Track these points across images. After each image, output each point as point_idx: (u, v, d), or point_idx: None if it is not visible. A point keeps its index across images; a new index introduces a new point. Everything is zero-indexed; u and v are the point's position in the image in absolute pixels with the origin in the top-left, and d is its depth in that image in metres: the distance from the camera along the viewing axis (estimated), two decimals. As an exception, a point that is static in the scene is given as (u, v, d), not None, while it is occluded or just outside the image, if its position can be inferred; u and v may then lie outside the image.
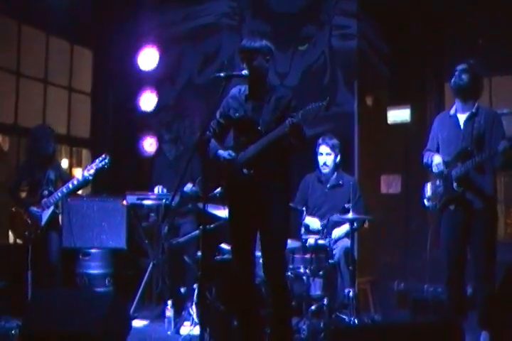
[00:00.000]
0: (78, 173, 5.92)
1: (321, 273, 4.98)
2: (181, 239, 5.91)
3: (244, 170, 3.99)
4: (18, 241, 5.88)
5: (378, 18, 6.73)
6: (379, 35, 6.85)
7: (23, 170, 5.94)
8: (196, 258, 5.37)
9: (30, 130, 5.98)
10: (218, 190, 4.36)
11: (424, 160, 4.66)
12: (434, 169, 4.52)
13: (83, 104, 7.78)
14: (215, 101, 4.07)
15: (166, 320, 5.36)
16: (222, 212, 4.96)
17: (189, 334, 5.02)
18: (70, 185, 5.63)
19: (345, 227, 5.29)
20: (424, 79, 6.89)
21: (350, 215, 4.96)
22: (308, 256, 4.96)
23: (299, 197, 5.65)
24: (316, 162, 5.59)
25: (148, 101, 7.63)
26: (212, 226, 5.19)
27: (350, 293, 4.88)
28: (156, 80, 7.65)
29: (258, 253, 4.14)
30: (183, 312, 5.37)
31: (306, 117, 3.76)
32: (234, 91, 4.22)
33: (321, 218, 5.35)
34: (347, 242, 5.16)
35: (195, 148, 4.42)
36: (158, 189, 6.17)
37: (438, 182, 4.54)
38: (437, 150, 4.63)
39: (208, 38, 7.44)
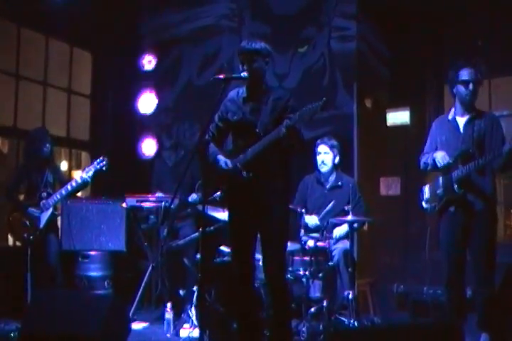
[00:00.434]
0: (77, 175, 5.92)
1: (320, 275, 4.98)
2: (181, 242, 5.92)
3: (244, 173, 3.99)
4: (18, 243, 5.88)
5: (378, 20, 6.73)
6: (378, 37, 6.86)
7: (21, 172, 5.94)
8: (196, 260, 5.37)
9: (28, 132, 5.98)
10: (218, 193, 4.35)
11: (424, 160, 4.63)
12: (440, 162, 4.41)
13: (82, 106, 7.79)
14: (214, 104, 4.06)
15: (165, 322, 5.34)
16: (222, 215, 4.96)
17: (188, 337, 5.01)
18: (69, 187, 5.63)
19: (346, 226, 5.26)
20: (423, 81, 6.90)
21: (349, 217, 4.96)
22: (307, 258, 4.95)
23: (298, 198, 5.63)
24: (315, 163, 5.58)
25: (147, 103, 7.64)
26: (211, 228, 5.20)
27: (350, 295, 4.86)
28: (156, 82, 7.66)
29: (258, 256, 4.13)
30: (183, 315, 5.35)
31: (302, 118, 3.75)
32: (232, 94, 4.22)
33: (320, 219, 5.34)
34: (346, 244, 5.15)
35: (195, 151, 4.41)
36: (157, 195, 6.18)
37: (439, 181, 4.52)
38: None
39: (208, 39, 7.45)
